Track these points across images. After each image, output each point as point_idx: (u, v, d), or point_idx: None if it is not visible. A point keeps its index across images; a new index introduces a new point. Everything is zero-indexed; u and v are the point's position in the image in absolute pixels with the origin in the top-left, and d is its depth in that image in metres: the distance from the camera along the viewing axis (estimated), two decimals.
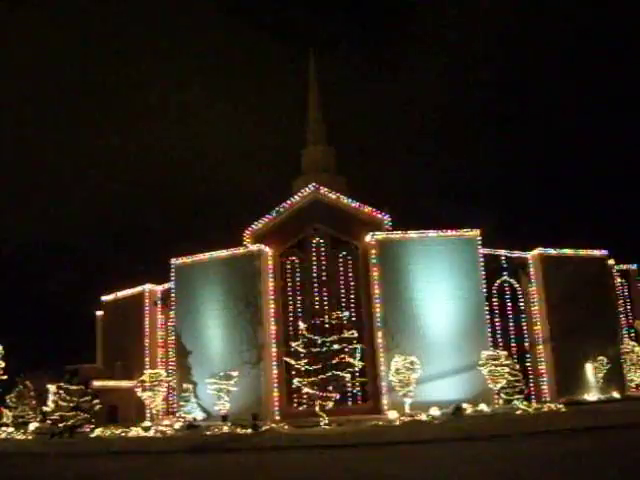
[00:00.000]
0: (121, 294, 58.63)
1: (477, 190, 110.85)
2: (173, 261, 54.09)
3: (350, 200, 53.78)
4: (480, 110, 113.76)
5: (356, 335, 45.24)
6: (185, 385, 50.28)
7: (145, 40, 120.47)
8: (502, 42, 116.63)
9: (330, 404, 42.62)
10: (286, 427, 41.49)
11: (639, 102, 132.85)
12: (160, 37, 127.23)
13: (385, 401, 47.18)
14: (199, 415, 48.95)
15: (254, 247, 52.13)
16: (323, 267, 52.99)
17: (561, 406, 43.57)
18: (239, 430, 40.96)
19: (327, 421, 41.24)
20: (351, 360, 43.49)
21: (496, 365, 45.24)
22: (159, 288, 56.71)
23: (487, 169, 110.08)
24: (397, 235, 51.21)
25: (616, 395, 50.28)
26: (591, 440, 29.45)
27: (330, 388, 42.32)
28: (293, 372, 45.17)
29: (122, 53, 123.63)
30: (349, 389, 46.05)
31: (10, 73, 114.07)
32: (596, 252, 54.67)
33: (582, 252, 54.34)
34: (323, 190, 53.80)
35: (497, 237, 53.13)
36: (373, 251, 50.31)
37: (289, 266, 53.42)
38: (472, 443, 31.53)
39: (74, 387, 45.04)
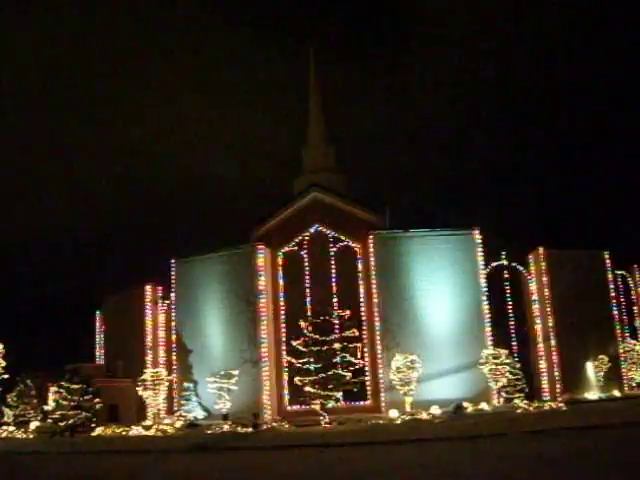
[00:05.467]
0: (121, 293, 58.62)
1: (477, 189, 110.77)
2: (173, 260, 54.12)
3: (350, 199, 53.74)
4: (480, 109, 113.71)
5: (356, 334, 45.35)
6: (186, 384, 50.33)
7: (144, 40, 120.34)
8: (503, 40, 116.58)
9: (331, 403, 42.68)
10: (286, 426, 41.54)
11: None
12: (159, 37, 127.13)
13: (386, 400, 47.22)
14: (200, 414, 49.00)
15: (254, 246, 52.12)
16: (323, 266, 52.96)
17: (562, 405, 43.62)
18: (240, 429, 41.02)
19: (328, 420, 41.31)
20: (352, 359, 43.60)
21: (497, 364, 45.30)
22: (159, 287, 56.69)
23: (487, 168, 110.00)
24: (397, 234, 51.21)
25: (617, 394, 50.31)
26: (592, 439, 29.45)
27: (331, 387, 42.38)
28: (294, 371, 45.24)
29: (121, 53, 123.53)
30: (350, 388, 46.05)
31: (9, 74, 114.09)
32: (597, 251, 54.68)
33: (583, 251, 54.32)
34: (323, 189, 53.79)
35: (497, 235, 53.21)
36: (373, 250, 50.33)
37: (289, 265, 53.40)
38: (473, 442, 31.56)
39: (75, 386, 45.14)
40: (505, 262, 53.41)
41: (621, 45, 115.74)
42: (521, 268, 53.69)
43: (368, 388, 49.62)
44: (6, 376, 50.13)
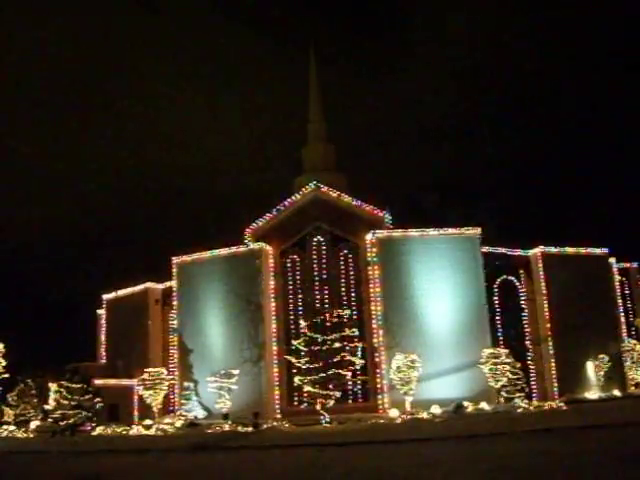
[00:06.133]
0: (123, 292, 58.68)
1: (478, 188, 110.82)
2: (174, 259, 54.15)
3: (351, 198, 53.75)
4: (481, 108, 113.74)
5: (357, 333, 45.36)
6: (186, 383, 50.35)
7: (144, 40, 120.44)
8: (503, 42, 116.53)
9: (331, 402, 42.70)
10: (287, 425, 41.57)
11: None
12: (160, 37, 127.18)
13: (386, 399, 47.23)
14: (200, 413, 49.02)
15: (255, 245, 52.19)
16: (324, 265, 53.00)
17: (562, 404, 43.64)
18: (240, 428, 41.08)
19: (328, 419, 41.33)
20: (352, 358, 43.61)
21: (497, 363, 45.32)
22: (160, 286, 56.75)
23: (488, 167, 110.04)
24: (398, 233, 51.22)
25: (617, 393, 50.32)
26: (592, 438, 29.44)
27: (331, 386, 42.40)
28: (294, 370, 45.28)
29: (121, 53, 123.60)
30: (350, 387, 46.09)
31: (9, 73, 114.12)
32: (597, 250, 54.73)
33: (583, 250, 54.37)
34: (324, 188, 53.79)
35: (498, 235, 53.23)
36: (374, 249, 50.32)
37: (290, 264, 53.43)
38: (473, 441, 31.55)
39: (75, 385, 45.23)
40: (506, 262, 53.37)
41: (623, 44, 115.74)
42: (522, 268, 53.64)
43: (368, 388, 49.62)
44: (6, 375, 50.16)
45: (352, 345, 44.15)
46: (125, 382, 52.75)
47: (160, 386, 49.45)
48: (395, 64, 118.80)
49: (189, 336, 52.20)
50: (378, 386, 48.12)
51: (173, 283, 54.28)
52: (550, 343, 51.21)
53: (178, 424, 45.41)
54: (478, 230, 50.99)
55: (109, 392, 49.82)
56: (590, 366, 51.21)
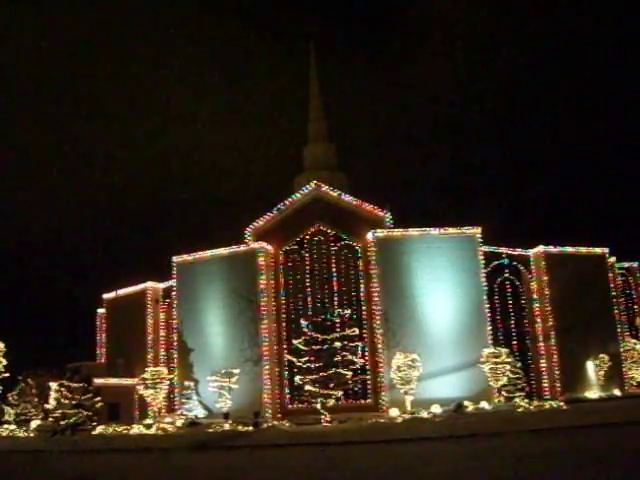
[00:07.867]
0: (123, 292, 58.67)
1: (478, 187, 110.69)
2: (175, 259, 54.11)
3: (351, 197, 53.73)
4: (481, 107, 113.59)
5: (357, 333, 45.37)
6: (187, 383, 50.35)
7: (145, 40, 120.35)
8: (503, 39, 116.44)
9: (331, 401, 42.71)
10: (287, 424, 41.59)
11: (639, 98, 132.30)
12: (160, 37, 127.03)
13: (386, 398, 47.25)
14: (200, 413, 49.05)
15: (255, 245, 52.18)
16: (324, 265, 52.99)
17: (562, 404, 43.63)
18: (240, 427, 41.09)
19: (328, 418, 41.34)
20: (352, 357, 43.62)
21: (497, 363, 45.31)
22: (161, 286, 56.74)
23: (488, 166, 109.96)
24: (398, 232, 51.22)
25: (617, 393, 50.30)
26: (592, 438, 29.47)
27: (331, 385, 42.42)
28: (295, 369, 45.28)
29: (122, 52, 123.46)
30: (350, 386, 46.12)
31: (10, 71, 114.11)
32: (597, 249, 54.68)
33: (583, 249, 54.34)
34: (324, 187, 53.78)
35: (498, 234, 53.17)
36: (374, 248, 50.32)
37: (290, 264, 53.43)
38: (473, 440, 31.59)
39: (76, 385, 45.27)
40: (506, 261, 53.38)
41: (623, 42, 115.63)
42: (522, 267, 53.65)
43: (369, 387, 49.65)
44: (7, 375, 50.18)
45: (352, 344, 44.14)
46: (126, 381, 52.78)
47: (160, 385, 49.40)
48: (396, 63, 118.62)
49: (189, 335, 52.19)
50: (378, 385, 48.19)
51: (173, 282, 54.26)
52: (550, 342, 51.18)
53: (179, 423, 45.42)
54: (478, 229, 50.97)
55: (109, 391, 49.87)
56: (590, 365, 51.19)
